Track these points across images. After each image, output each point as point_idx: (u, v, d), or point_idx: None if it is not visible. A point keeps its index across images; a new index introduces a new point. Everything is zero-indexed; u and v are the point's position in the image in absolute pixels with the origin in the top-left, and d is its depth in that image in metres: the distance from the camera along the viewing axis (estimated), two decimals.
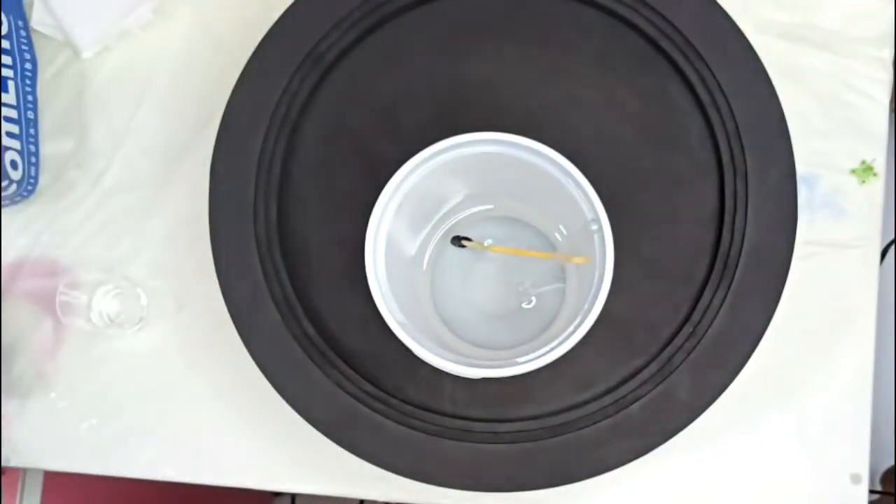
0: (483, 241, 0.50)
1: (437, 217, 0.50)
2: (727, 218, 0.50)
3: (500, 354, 0.47)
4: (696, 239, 0.50)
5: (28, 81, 0.57)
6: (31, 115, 0.57)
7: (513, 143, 0.43)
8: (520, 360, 0.41)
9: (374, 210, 0.43)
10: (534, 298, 0.50)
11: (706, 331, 0.49)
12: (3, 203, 0.56)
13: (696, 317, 0.49)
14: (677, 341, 0.49)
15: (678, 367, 0.49)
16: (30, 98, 0.57)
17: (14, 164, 0.55)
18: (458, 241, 0.49)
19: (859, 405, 0.53)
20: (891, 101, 0.54)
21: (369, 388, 0.50)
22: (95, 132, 0.58)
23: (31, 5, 0.58)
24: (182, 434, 0.56)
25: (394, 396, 0.50)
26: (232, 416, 0.55)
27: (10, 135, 0.55)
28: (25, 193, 0.57)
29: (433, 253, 0.51)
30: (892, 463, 0.88)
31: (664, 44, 0.51)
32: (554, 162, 0.43)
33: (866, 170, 0.54)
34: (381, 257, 0.43)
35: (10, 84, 0.56)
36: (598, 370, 0.50)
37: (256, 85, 0.52)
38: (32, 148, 0.57)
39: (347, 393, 0.50)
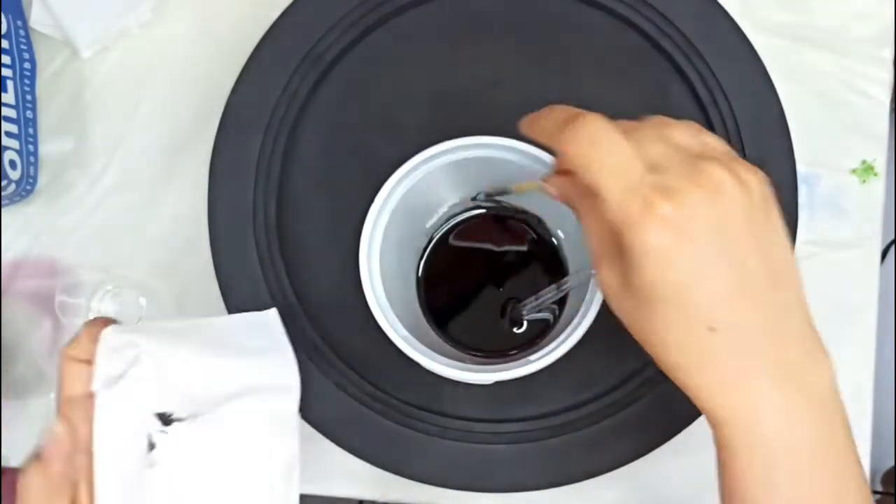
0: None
1: (431, 222, 0.50)
2: None
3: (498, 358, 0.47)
4: None
5: (27, 81, 0.57)
6: (29, 114, 0.57)
7: (510, 147, 0.43)
8: (532, 357, 0.41)
9: (367, 219, 0.43)
10: (525, 323, 0.50)
11: None
12: (2, 203, 0.56)
13: None
14: None
15: None
16: (29, 97, 0.57)
17: (13, 164, 0.55)
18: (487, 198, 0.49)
19: (859, 406, 0.52)
20: (891, 101, 0.54)
21: (369, 388, 0.50)
22: (95, 132, 0.58)
23: (30, 5, 0.58)
24: None
25: (394, 397, 0.50)
26: None
27: (8, 134, 0.55)
28: (24, 193, 0.57)
29: (428, 258, 0.51)
30: (892, 463, 0.88)
31: (664, 43, 0.51)
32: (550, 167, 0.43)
33: (867, 170, 0.54)
34: (376, 269, 0.43)
35: (9, 84, 0.56)
36: (598, 370, 0.50)
37: (256, 85, 0.52)
38: (31, 147, 0.57)
39: (347, 393, 0.50)
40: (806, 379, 0.33)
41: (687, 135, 0.34)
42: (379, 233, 0.44)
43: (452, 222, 0.51)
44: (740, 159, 0.34)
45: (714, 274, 0.31)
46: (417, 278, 0.51)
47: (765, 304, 0.33)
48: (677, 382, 0.34)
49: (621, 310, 0.35)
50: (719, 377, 0.33)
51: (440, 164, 0.44)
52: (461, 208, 0.51)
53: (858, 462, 0.35)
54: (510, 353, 0.49)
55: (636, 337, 0.35)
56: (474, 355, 0.49)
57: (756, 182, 0.33)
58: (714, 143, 0.34)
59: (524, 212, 0.50)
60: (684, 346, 0.33)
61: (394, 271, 0.46)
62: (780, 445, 0.33)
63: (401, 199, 0.44)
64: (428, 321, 0.50)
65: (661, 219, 0.30)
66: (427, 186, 0.45)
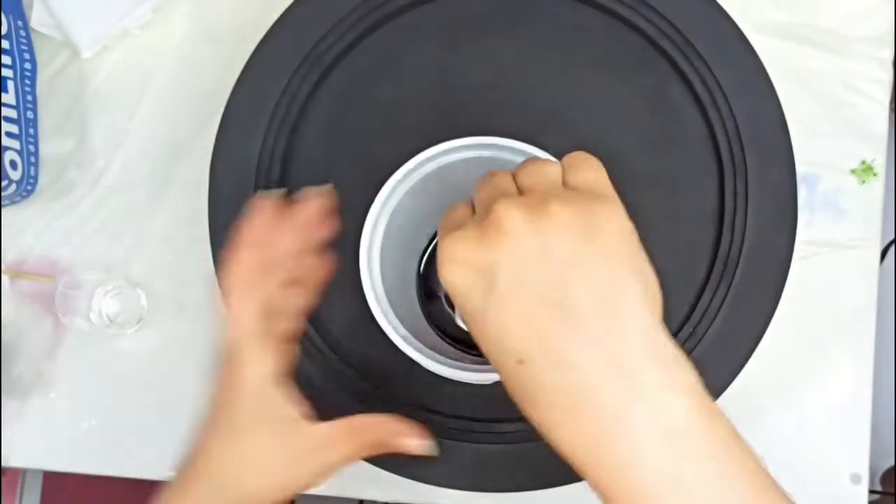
0: None
1: (430, 221, 0.50)
2: (727, 218, 0.50)
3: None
4: (696, 239, 0.50)
5: (27, 81, 0.57)
6: (30, 114, 0.57)
7: (510, 147, 0.43)
8: None
9: (367, 219, 0.43)
10: None
11: (706, 331, 0.49)
12: (2, 203, 0.56)
13: (696, 317, 0.49)
14: (677, 341, 0.49)
15: None
16: (29, 98, 0.57)
17: (13, 164, 0.55)
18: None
19: (859, 405, 0.53)
20: (891, 101, 0.54)
21: (369, 388, 0.50)
22: (95, 132, 0.58)
23: (31, 5, 0.58)
24: (182, 434, 0.56)
25: (394, 397, 0.50)
26: None
27: (9, 135, 0.55)
28: (25, 193, 0.57)
29: (428, 258, 0.51)
30: (892, 463, 0.88)
31: (664, 44, 0.51)
32: None
33: (866, 170, 0.54)
34: (376, 269, 0.43)
35: (10, 84, 0.56)
36: None
37: (256, 85, 0.52)
38: (32, 148, 0.57)
39: (347, 393, 0.50)
40: (670, 403, 0.31)
41: (524, 173, 0.35)
42: (379, 233, 0.44)
43: None
44: (565, 192, 0.34)
45: (512, 307, 0.31)
46: (417, 278, 0.51)
47: (593, 336, 0.31)
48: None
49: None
50: (548, 414, 0.32)
51: (440, 165, 0.44)
52: None
53: (757, 465, 0.33)
54: None
55: None
56: (474, 355, 0.49)
57: (568, 215, 0.32)
58: (548, 173, 0.35)
59: None
60: (506, 381, 0.33)
61: (394, 271, 0.46)
62: (662, 485, 0.30)
63: (401, 199, 0.44)
64: (428, 321, 0.50)
65: (450, 260, 0.33)
66: (427, 187, 0.45)
